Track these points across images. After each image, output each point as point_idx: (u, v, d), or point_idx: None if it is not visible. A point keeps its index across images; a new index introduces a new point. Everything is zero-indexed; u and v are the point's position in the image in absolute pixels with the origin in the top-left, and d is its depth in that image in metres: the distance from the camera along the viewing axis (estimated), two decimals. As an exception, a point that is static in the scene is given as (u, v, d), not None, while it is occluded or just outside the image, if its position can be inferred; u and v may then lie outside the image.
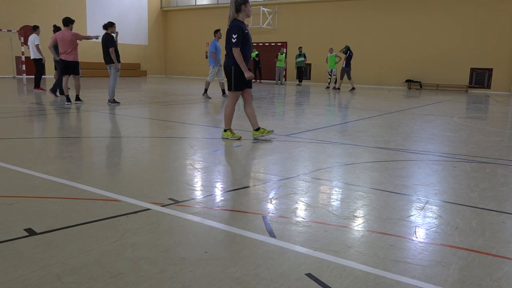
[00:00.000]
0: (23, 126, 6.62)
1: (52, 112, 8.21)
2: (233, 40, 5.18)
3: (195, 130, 6.45)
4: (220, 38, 11.47)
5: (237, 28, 5.18)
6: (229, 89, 5.50)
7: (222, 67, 11.08)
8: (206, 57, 12.30)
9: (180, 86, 18.47)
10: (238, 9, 5.23)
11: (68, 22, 9.33)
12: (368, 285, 1.91)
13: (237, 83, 5.41)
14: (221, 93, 12.22)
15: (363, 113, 9.05)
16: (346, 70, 17.02)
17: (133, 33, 27.34)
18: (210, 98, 11.81)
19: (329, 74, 18.94)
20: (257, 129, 5.59)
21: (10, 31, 20.10)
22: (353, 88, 17.69)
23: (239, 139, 5.54)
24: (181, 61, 29.35)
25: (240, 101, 6.06)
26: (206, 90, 11.96)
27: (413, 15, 20.64)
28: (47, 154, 4.59)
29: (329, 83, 19.28)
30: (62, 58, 9.37)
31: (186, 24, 28.67)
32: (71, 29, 9.40)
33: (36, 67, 12.15)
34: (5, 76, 21.19)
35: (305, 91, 16.82)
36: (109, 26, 9.33)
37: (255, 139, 5.55)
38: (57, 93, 11.08)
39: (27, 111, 8.37)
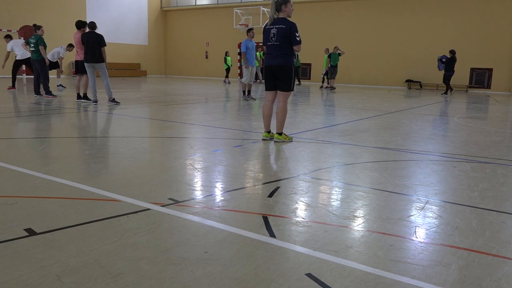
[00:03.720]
0: (23, 126, 6.62)
1: (52, 112, 8.21)
2: (298, 39, 5.24)
3: (195, 130, 6.45)
4: (252, 37, 10.95)
5: (297, 27, 5.26)
6: (287, 89, 5.35)
7: (254, 68, 10.85)
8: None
9: (180, 86, 18.47)
10: (278, 9, 5.28)
11: (77, 25, 10.00)
12: (368, 285, 1.91)
13: (293, 82, 5.40)
14: (244, 94, 11.70)
15: (363, 113, 9.05)
16: (333, 69, 17.63)
17: (133, 33, 27.36)
18: (254, 99, 11.53)
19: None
20: (280, 133, 5.43)
21: (10, 31, 20.08)
22: (333, 88, 17.82)
23: (291, 140, 5.47)
24: (181, 61, 29.34)
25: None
26: (249, 92, 11.60)
27: (413, 15, 20.65)
28: (47, 154, 4.59)
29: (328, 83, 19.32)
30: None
31: (186, 24, 28.66)
32: (82, 32, 9.96)
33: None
34: (5, 76, 21.18)
35: (305, 91, 16.82)
36: (96, 26, 9.61)
37: (275, 141, 5.41)
38: (41, 92, 11.17)
39: (27, 111, 8.37)
